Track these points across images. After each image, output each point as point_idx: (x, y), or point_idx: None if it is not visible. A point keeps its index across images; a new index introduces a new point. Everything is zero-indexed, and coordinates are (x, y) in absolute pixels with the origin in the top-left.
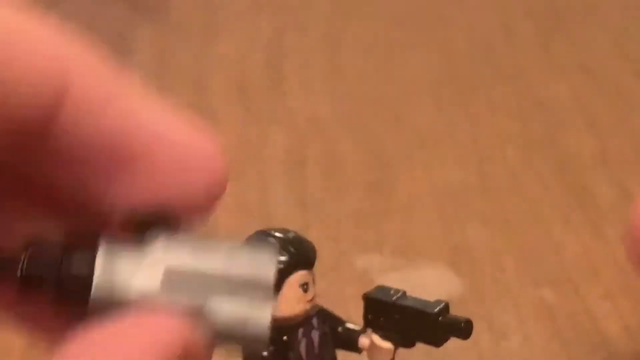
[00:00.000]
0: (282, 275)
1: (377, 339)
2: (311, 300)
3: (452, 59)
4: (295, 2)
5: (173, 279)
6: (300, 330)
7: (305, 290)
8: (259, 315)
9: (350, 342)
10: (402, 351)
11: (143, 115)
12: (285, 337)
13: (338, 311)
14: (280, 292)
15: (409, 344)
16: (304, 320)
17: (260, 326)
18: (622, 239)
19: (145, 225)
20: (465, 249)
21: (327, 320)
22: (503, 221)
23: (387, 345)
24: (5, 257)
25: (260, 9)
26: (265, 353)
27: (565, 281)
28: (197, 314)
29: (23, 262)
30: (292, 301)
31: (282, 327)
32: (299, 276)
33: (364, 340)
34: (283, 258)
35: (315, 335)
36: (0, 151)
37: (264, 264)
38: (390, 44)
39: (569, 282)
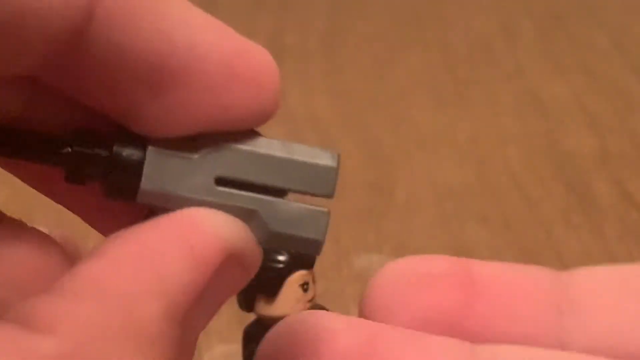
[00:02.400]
0: (282, 275)
1: None
2: (311, 300)
3: (452, 59)
4: (295, 1)
5: (224, 182)
6: None
7: (305, 290)
8: (316, 218)
9: None
10: None
11: (184, 28)
12: None
13: (338, 311)
14: (280, 291)
15: None
16: None
17: (317, 228)
18: (622, 239)
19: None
20: (465, 248)
21: None
22: (503, 221)
23: None
24: (55, 139)
25: (260, 9)
26: None
27: None
28: (249, 217)
29: (72, 143)
30: (292, 301)
31: None
32: (299, 276)
33: None
34: (283, 258)
35: None
36: (35, 62)
37: (326, 157)
38: (390, 43)
39: None
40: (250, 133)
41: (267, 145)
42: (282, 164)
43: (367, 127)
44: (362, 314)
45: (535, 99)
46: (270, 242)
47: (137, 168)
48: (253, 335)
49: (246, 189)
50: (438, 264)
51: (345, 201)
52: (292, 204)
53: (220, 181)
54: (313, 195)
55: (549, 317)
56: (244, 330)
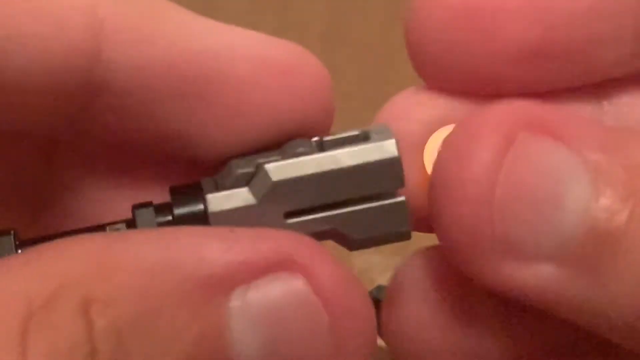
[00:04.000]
0: None
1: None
2: None
3: None
4: (295, 1)
5: (293, 213)
6: None
7: None
8: (394, 210)
9: None
10: None
11: (203, 36)
12: None
13: None
14: None
15: None
16: None
17: (400, 220)
18: None
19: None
20: None
21: None
22: None
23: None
24: (115, 223)
25: (260, 9)
26: None
27: None
28: (328, 235)
29: (134, 217)
30: None
31: None
32: None
33: None
34: None
35: None
36: (62, 110)
37: (383, 148)
38: (390, 43)
39: None
40: (292, 150)
41: (317, 161)
42: (342, 176)
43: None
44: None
45: None
46: (360, 247)
47: (204, 222)
48: None
49: (316, 211)
50: None
51: None
52: (367, 207)
53: (289, 214)
54: (385, 192)
55: None
56: None
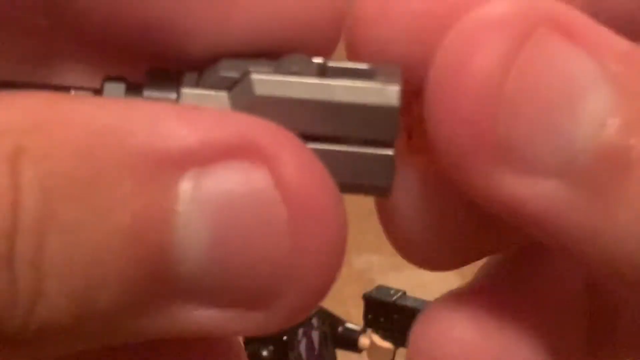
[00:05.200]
0: None
1: (377, 339)
2: None
3: None
4: None
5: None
6: (300, 330)
7: None
8: (380, 163)
9: (350, 342)
10: (402, 351)
11: None
12: (285, 337)
13: (338, 311)
14: None
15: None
16: (304, 320)
17: (383, 174)
18: None
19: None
20: None
21: (327, 320)
22: None
23: (387, 345)
24: (81, 89)
25: None
26: (265, 353)
27: None
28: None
29: (102, 89)
30: None
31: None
32: None
33: (364, 340)
34: None
35: (315, 335)
36: None
37: (384, 94)
38: None
39: None
40: (288, 66)
41: (310, 87)
42: (332, 110)
43: None
44: None
45: None
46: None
47: None
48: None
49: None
50: None
51: (346, 201)
52: (351, 150)
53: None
54: (375, 140)
55: None
56: None
